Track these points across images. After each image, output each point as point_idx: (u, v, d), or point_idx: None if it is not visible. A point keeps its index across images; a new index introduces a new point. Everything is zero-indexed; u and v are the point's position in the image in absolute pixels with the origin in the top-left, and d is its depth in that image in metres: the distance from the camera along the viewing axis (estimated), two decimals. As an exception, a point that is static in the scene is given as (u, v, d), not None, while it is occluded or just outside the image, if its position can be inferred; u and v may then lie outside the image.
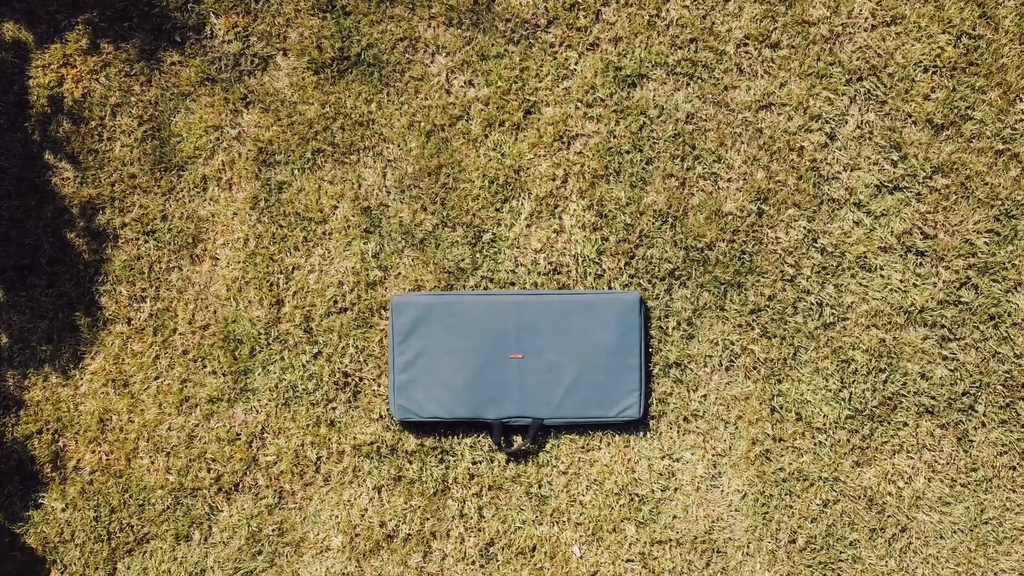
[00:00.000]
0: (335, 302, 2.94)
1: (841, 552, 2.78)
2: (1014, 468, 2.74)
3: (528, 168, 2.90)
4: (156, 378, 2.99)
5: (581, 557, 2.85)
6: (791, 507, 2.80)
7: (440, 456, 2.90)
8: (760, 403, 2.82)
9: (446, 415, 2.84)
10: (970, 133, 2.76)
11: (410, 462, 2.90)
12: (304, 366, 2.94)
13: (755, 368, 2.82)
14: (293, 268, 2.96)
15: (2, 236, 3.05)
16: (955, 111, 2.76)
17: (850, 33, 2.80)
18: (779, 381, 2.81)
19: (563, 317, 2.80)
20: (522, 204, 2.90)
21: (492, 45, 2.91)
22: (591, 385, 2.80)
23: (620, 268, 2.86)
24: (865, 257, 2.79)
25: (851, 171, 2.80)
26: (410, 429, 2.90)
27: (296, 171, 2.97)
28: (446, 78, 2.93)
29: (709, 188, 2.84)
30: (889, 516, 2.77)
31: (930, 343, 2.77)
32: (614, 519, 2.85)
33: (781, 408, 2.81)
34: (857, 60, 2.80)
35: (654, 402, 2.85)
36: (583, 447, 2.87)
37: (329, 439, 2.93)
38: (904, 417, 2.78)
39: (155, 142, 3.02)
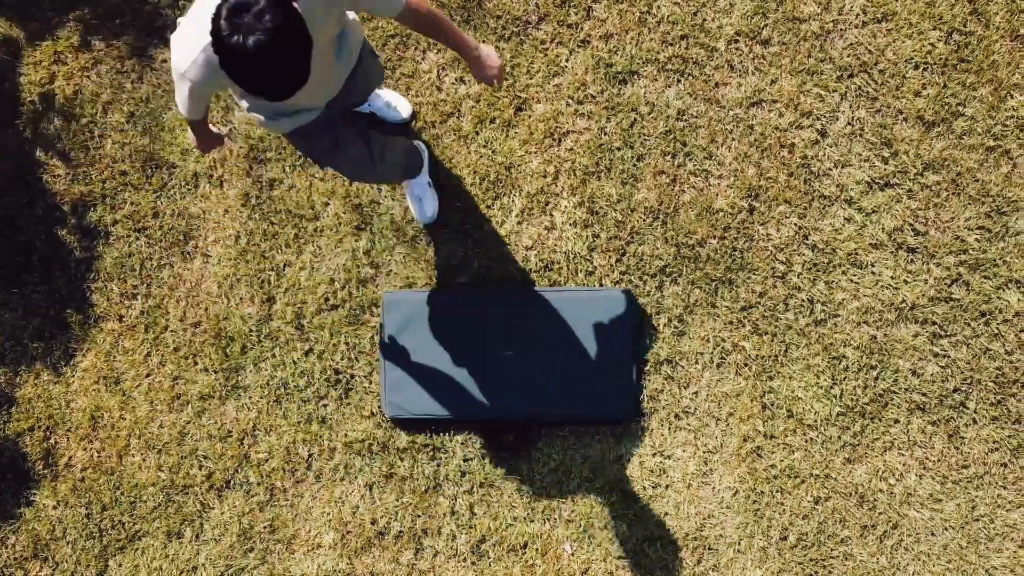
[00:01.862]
0: (326, 299, 2.94)
1: (832, 549, 2.78)
2: (1005, 465, 2.74)
3: (519, 165, 2.90)
4: (148, 375, 2.99)
5: (572, 554, 2.85)
6: (782, 504, 2.80)
7: (432, 453, 2.90)
8: (751, 400, 2.82)
9: (438, 412, 2.84)
10: (961, 130, 2.75)
11: (401, 459, 2.90)
12: (295, 363, 2.94)
13: (746, 365, 2.82)
14: (284, 265, 2.96)
15: (-6, 233, 3.05)
16: (946, 108, 2.76)
17: (841, 30, 2.80)
18: (770, 378, 2.81)
19: (554, 314, 2.80)
20: (513, 201, 2.90)
21: (483, 41, 2.91)
22: (582, 382, 2.80)
23: (611, 265, 2.86)
24: (856, 254, 2.79)
25: (842, 168, 2.80)
26: (401, 426, 2.90)
27: (287, 168, 2.97)
28: (437, 75, 2.93)
29: (700, 185, 2.84)
30: (880, 513, 2.77)
31: (921, 340, 2.76)
32: (605, 516, 2.85)
33: (772, 405, 2.81)
34: (848, 57, 2.80)
35: (645, 399, 2.85)
36: (574, 444, 2.86)
37: (320, 436, 2.93)
38: (895, 414, 2.77)
39: (146, 139, 3.02)
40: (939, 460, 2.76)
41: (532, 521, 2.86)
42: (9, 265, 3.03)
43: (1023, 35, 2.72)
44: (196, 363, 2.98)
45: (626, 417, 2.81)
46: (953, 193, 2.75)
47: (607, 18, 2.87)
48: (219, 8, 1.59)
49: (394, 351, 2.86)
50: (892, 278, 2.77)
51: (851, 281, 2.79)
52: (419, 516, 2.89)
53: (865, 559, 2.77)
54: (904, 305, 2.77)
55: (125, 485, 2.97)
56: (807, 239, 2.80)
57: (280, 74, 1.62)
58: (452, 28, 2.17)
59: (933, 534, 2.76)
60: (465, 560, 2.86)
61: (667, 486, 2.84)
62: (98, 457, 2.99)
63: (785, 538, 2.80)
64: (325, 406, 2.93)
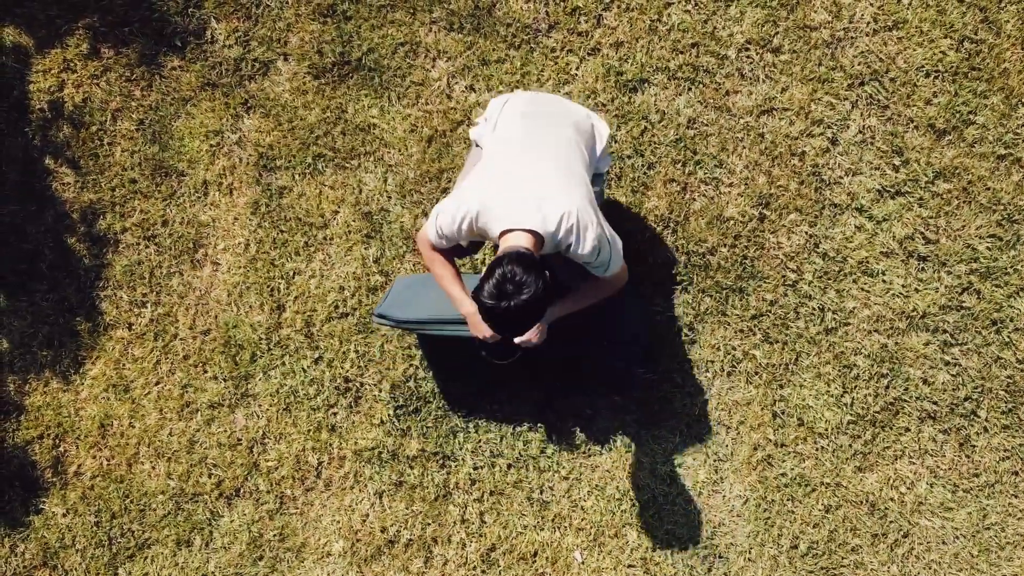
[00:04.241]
0: (336, 307, 2.93)
1: (843, 558, 2.78)
2: (1016, 473, 2.74)
3: (529, 173, 2.89)
4: (157, 383, 2.99)
5: (583, 562, 2.85)
6: (793, 512, 2.80)
7: (441, 461, 2.89)
8: (762, 408, 2.81)
9: (427, 316, 2.60)
10: (972, 138, 2.75)
11: (411, 467, 2.90)
12: (305, 371, 2.93)
13: (757, 373, 2.82)
14: (294, 273, 2.96)
15: (2, 241, 3.04)
16: (957, 116, 2.75)
17: (852, 38, 2.80)
18: (781, 386, 2.81)
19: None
20: (523, 209, 2.89)
21: (493, 50, 2.91)
22: (595, 318, 2.61)
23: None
24: (867, 262, 2.78)
25: (853, 176, 2.79)
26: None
27: (297, 176, 2.97)
28: (447, 83, 2.93)
29: (710, 193, 2.84)
30: (891, 522, 2.77)
31: (932, 348, 2.76)
32: (616, 524, 2.84)
33: (783, 413, 2.81)
34: (859, 65, 2.79)
35: (657, 408, 2.85)
36: (584, 452, 2.86)
37: (330, 444, 2.92)
38: (906, 422, 2.77)
39: (156, 147, 3.02)
40: (950, 469, 2.76)
41: (542, 529, 2.86)
42: (18, 273, 3.03)
43: (1034, 43, 2.72)
44: (206, 371, 2.97)
45: (643, 347, 2.65)
46: (964, 201, 2.75)
47: (617, 26, 2.87)
48: (487, 275, 2.06)
49: (404, 284, 2.73)
50: (903, 286, 2.77)
51: (862, 289, 2.78)
52: (429, 524, 2.88)
53: (876, 568, 2.77)
54: (915, 313, 2.76)
55: (134, 493, 2.97)
56: (818, 247, 2.80)
57: (525, 325, 2.13)
58: (591, 299, 2.42)
59: (944, 543, 2.75)
60: (475, 568, 2.86)
61: (677, 494, 2.83)
62: (107, 465, 2.99)
63: (796, 546, 2.79)
64: (335, 414, 2.93)
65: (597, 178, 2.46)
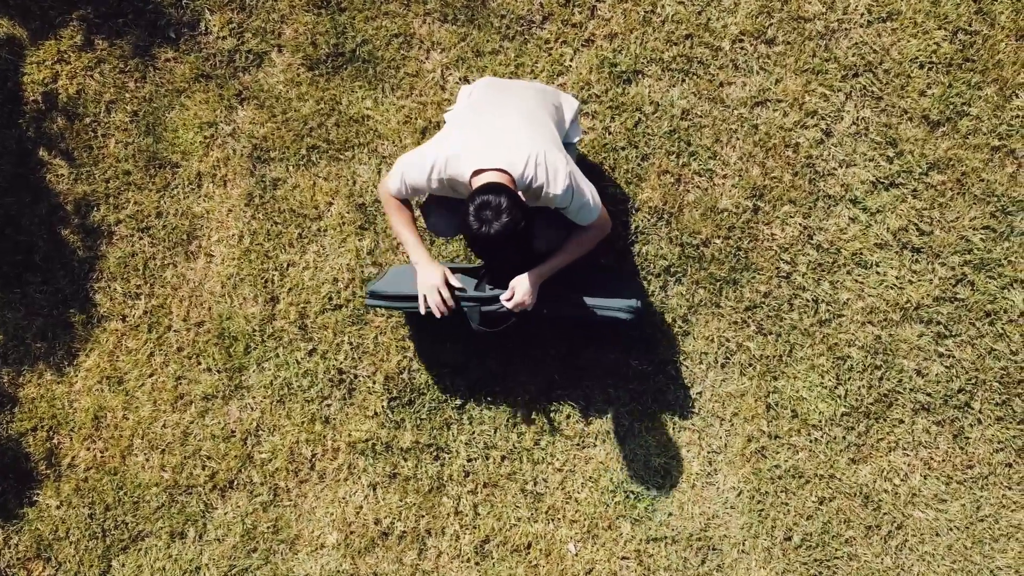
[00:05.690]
0: (330, 299, 2.93)
1: (837, 549, 2.78)
2: (1010, 465, 2.73)
3: (523, 165, 2.89)
4: (151, 375, 2.99)
5: (576, 554, 2.84)
6: (787, 504, 2.80)
7: (435, 453, 2.89)
8: (755, 400, 2.81)
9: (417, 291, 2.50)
10: (966, 129, 2.75)
11: (405, 459, 2.90)
12: (299, 363, 2.93)
13: (750, 365, 2.82)
14: (288, 265, 2.95)
15: (-4, 233, 3.05)
16: (951, 107, 2.75)
17: (846, 29, 2.79)
18: (775, 378, 2.81)
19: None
20: (517, 201, 2.89)
21: (487, 41, 2.91)
22: (591, 283, 2.58)
23: (615, 265, 2.85)
24: (861, 254, 2.78)
25: (847, 167, 2.79)
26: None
27: (291, 168, 2.97)
28: (441, 74, 2.93)
29: (704, 185, 2.84)
30: (885, 513, 2.77)
31: (926, 340, 2.76)
32: (609, 516, 2.84)
33: (776, 405, 2.81)
34: (853, 56, 2.79)
35: (650, 399, 2.84)
36: (578, 444, 2.86)
37: (324, 436, 2.92)
38: (900, 414, 2.77)
39: (149, 138, 3.01)
40: (944, 460, 2.76)
41: (536, 521, 2.86)
42: (12, 264, 3.03)
43: (1028, 34, 2.72)
44: (199, 363, 2.97)
45: (636, 313, 2.54)
46: (958, 193, 2.75)
47: (611, 17, 2.87)
48: (467, 204, 2.14)
49: (389, 279, 2.69)
50: (897, 278, 2.76)
51: (856, 281, 2.78)
52: (423, 516, 2.88)
53: (870, 559, 2.76)
54: (909, 305, 2.76)
55: (128, 485, 2.97)
56: (812, 239, 2.80)
57: (509, 253, 2.20)
58: (579, 252, 2.45)
59: (938, 534, 2.75)
60: (469, 560, 2.86)
61: (671, 486, 2.83)
62: (101, 457, 2.98)
63: (789, 538, 2.79)
64: (329, 406, 2.93)
65: (569, 147, 2.54)
